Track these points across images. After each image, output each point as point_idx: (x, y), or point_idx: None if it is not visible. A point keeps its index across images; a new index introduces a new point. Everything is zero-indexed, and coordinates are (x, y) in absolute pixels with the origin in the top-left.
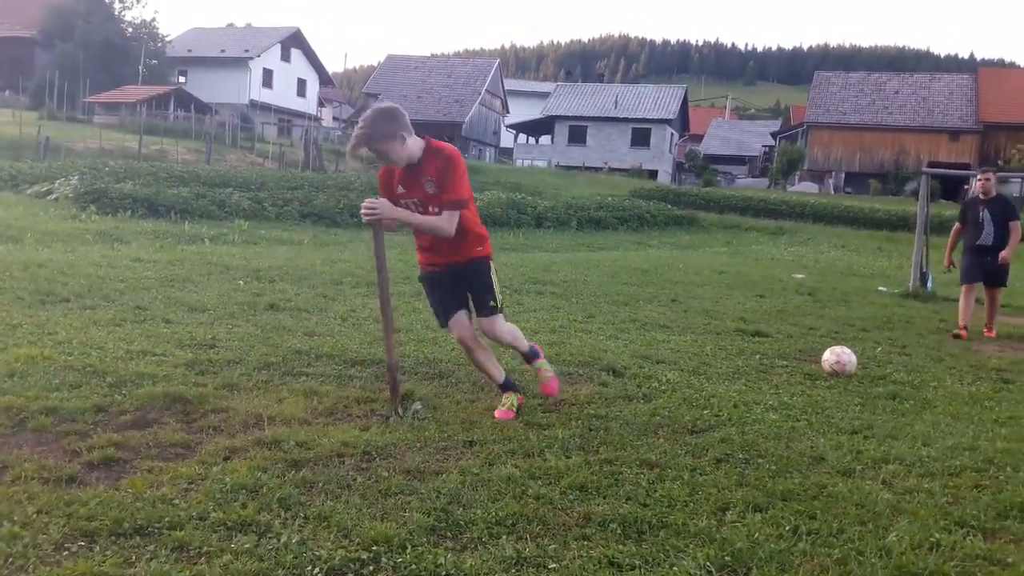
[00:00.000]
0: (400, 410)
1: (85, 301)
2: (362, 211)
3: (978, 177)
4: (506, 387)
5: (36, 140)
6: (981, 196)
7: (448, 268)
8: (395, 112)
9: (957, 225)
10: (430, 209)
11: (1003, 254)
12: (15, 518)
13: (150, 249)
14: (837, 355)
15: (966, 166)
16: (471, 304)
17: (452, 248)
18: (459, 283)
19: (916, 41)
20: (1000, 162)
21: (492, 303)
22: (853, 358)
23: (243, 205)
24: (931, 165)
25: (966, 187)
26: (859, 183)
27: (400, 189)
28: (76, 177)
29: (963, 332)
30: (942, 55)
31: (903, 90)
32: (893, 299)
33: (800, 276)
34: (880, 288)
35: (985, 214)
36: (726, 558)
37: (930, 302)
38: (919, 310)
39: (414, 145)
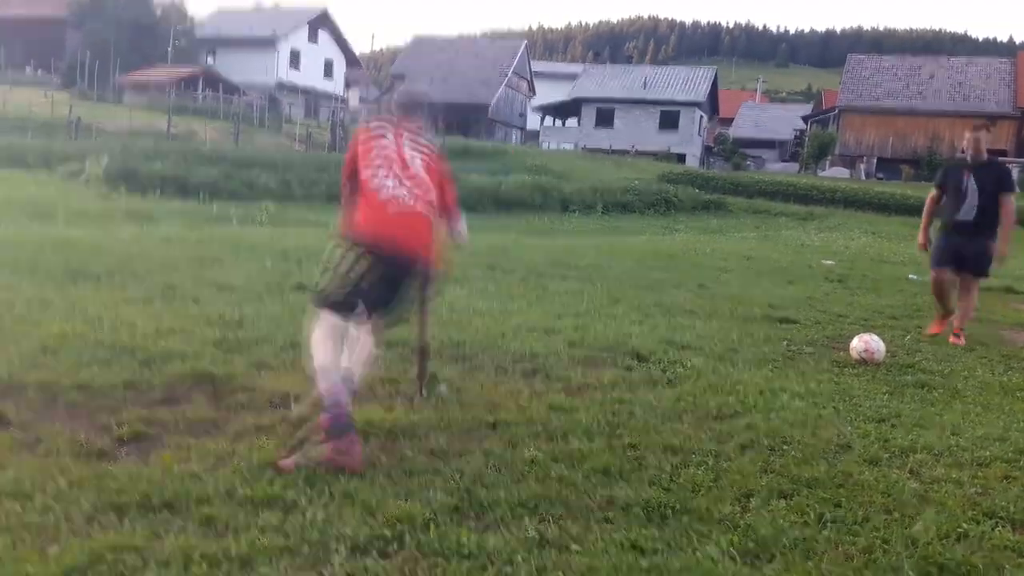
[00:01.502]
0: (424, 391)
1: (115, 279)
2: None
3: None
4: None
5: (67, 120)
6: (970, 158)
7: (414, 258)
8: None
9: (934, 192)
10: None
11: (1000, 248)
12: (47, 490)
13: (179, 228)
14: (866, 343)
15: (1003, 153)
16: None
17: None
18: (410, 283)
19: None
20: None
21: (401, 317)
22: (882, 346)
23: (271, 186)
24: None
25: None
26: (891, 169)
27: None
28: (107, 157)
29: (936, 328)
30: (980, 39)
31: (938, 74)
32: (924, 287)
33: (830, 262)
34: (911, 276)
35: (970, 182)
36: (750, 544)
37: None
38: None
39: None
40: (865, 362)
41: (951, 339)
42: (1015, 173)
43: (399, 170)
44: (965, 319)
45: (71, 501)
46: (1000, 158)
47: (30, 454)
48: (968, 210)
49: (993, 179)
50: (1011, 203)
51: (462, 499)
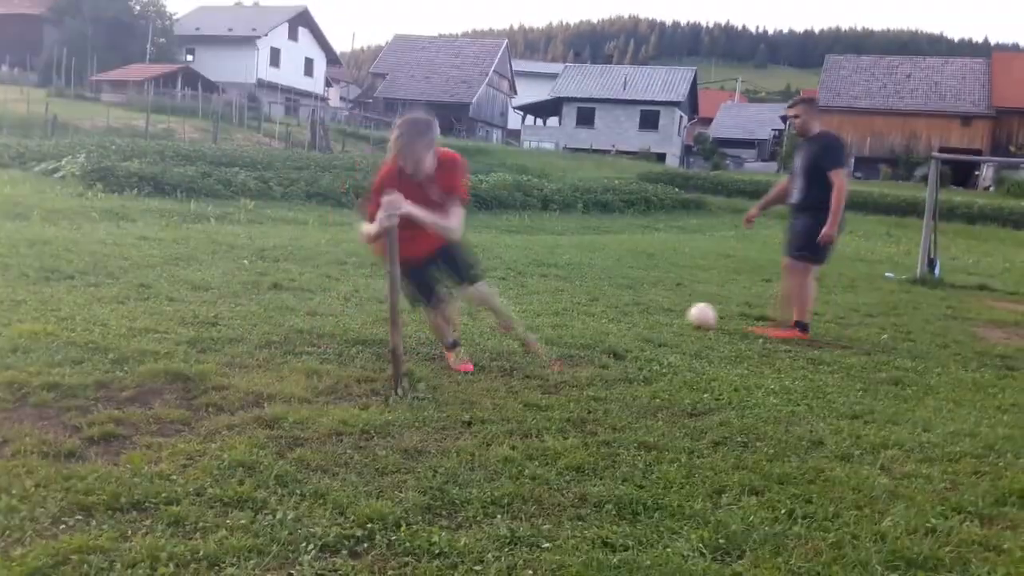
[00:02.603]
0: (400, 390)
1: (89, 278)
2: (382, 215)
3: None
4: (455, 345)
5: (44, 118)
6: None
7: (427, 255)
8: (433, 123)
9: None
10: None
11: (825, 231)
12: (13, 491)
13: (155, 227)
14: (700, 310)
15: (977, 152)
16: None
17: (437, 237)
18: (436, 265)
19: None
20: (1012, 148)
21: (477, 270)
22: (712, 314)
23: (249, 184)
24: (942, 150)
25: (977, 172)
26: (869, 168)
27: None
28: (83, 155)
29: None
30: (956, 39)
31: (915, 74)
32: (900, 285)
33: None
34: (887, 274)
35: (797, 161)
36: (720, 540)
37: (938, 288)
38: (926, 296)
39: (432, 156)
40: (701, 328)
41: (757, 329)
42: (989, 172)
43: None
44: (788, 307)
45: (37, 502)
46: (962, 155)
47: None
48: (795, 191)
49: (814, 155)
50: (838, 176)
51: (434, 498)
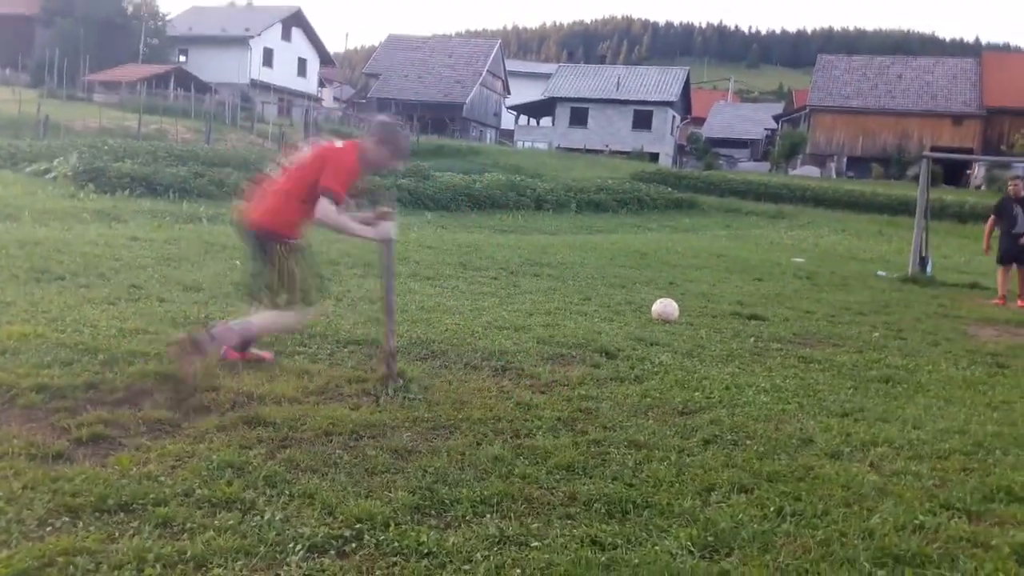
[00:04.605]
0: (390, 390)
1: (80, 279)
2: (377, 234)
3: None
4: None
5: (36, 118)
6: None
7: None
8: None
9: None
10: None
11: None
12: (0, 494)
13: (147, 228)
14: (664, 305)
15: (969, 151)
16: None
17: None
18: None
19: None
20: (1003, 147)
21: None
22: (674, 308)
23: (242, 185)
24: (934, 150)
25: (968, 171)
26: (861, 167)
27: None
28: (75, 156)
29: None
30: (947, 39)
31: (906, 74)
32: (892, 283)
33: (799, 260)
34: (879, 272)
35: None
36: (709, 538)
37: (929, 287)
38: (918, 295)
39: None
40: (665, 321)
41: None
42: (981, 170)
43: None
44: None
45: (24, 504)
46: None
47: None
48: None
49: None
50: None
51: (424, 497)
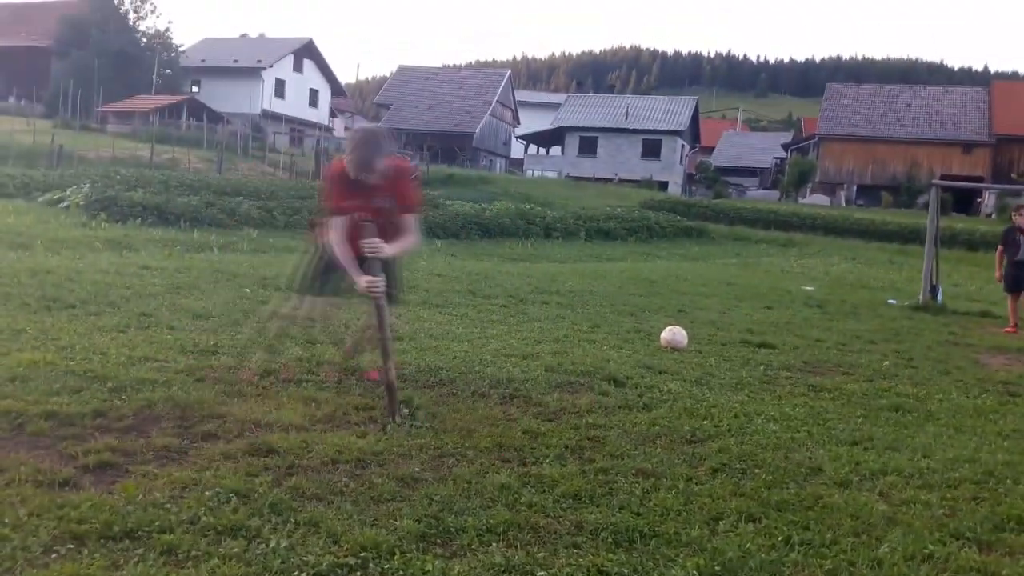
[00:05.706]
0: (398, 417)
1: (90, 307)
2: (372, 290)
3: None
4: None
5: (50, 148)
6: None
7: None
8: (385, 133)
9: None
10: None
11: None
12: (6, 520)
13: (158, 257)
14: (673, 333)
15: (979, 179)
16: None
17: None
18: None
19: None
20: (1013, 175)
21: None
22: (683, 335)
23: (253, 214)
24: (944, 178)
25: (979, 199)
26: (871, 196)
27: (350, 201)
28: (87, 185)
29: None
30: (956, 68)
31: (915, 103)
32: (902, 312)
33: (809, 288)
34: (890, 300)
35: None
36: (716, 568)
37: (940, 315)
38: (928, 323)
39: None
40: (674, 349)
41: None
42: (991, 199)
43: None
44: None
45: (30, 531)
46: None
47: None
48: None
49: None
50: None
51: (429, 526)
